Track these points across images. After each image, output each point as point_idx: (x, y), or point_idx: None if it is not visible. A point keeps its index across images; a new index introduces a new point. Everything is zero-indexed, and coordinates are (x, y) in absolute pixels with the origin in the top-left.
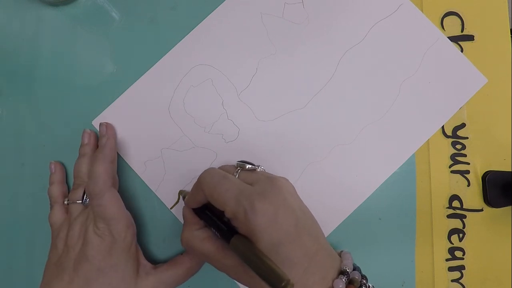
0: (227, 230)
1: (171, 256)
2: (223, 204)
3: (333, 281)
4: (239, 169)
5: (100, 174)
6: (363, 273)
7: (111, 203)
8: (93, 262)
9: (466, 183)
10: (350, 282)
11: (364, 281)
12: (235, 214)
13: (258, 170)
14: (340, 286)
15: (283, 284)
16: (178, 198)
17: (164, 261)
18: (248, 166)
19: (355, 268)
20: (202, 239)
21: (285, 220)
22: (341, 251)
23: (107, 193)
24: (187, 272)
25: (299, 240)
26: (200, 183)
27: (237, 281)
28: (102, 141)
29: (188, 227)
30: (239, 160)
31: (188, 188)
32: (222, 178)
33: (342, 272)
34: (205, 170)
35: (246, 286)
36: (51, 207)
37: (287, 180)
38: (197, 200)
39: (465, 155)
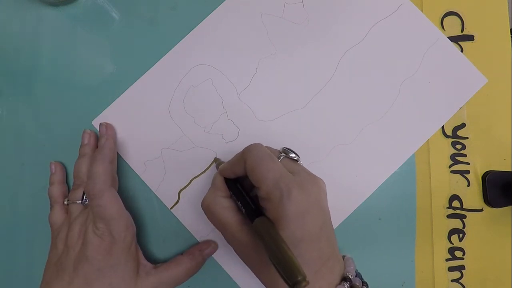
0: (254, 208)
1: (171, 256)
2: (261, 182)
3: (336, 287)
4: (283, 155)
5: (99, 174)
6: (364, 279)
7: (110, 203)
8: (93, 262)
9: (466, 183)
10: None
11: None
12: (270, 196)
13: (299, 162)
14: None
15: (299, 278)
16: (178, 198)
17: (164, 261)
18: (292, 155)
19: (357, 275)
20: (224, 207)
21: (314, 219)
22: (344, 256)
23: (106, 193)
24: (187, 272)
25: (319, 243)
26: (244, 154)
27: (243, 260)
28: (101, 141)
29: (214, 192)
30: (285, 146)
31: (189, 188)
32: (268, 157)
33: (345, 279)
34: (252, 144)
35: (250, 268)
36: (51, 207)
37: (324, 182)
38: (234, 170)
39: (465, 155)
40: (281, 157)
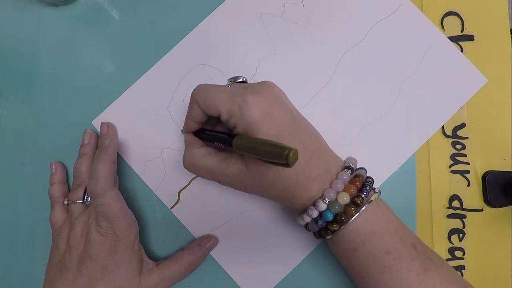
0: (228, 136)
1: (171, 255)
2: (218, 106)
3: (337, 174)
4: (230, 83)
5: (102, 174)
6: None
7: (113, 202)
8: (97, 260)
9: (466, 183)
10: (355, 176)
11: (370, 180)
12: (230, 112)
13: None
14: (345, 177)
15: (286, 151)
16: (178, 198)
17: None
18: (239, 80)
19: (362, 168)
20: (203, 155)
21: (280, 115)
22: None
23: (109, 193)
24: (187, 267)
25: (298, 135)
26: (193, 97)
27: (244, 190)
28: (105, 141)
29: (188, 148)
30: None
31: (189, 188)
32: (214, 86)
33: (347, 167)
34: (196, 86)
35: (254, 193)
36: (52, 207)
37: (275, 84)
38: (193, 117)
39: (465, 155)
40: (230, 85)
